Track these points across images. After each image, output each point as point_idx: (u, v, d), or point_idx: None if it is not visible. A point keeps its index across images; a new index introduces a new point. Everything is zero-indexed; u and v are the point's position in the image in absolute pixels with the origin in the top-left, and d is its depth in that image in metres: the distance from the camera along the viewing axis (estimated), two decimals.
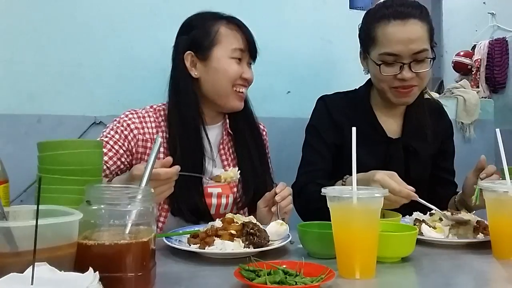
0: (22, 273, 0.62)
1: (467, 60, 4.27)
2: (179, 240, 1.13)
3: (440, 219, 1.26)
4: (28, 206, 0.83)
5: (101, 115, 1.85)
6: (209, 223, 1.17)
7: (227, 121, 1.52)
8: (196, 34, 1.44)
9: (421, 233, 1.21)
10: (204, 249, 1.04)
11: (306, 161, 1.60)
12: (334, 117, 1.59)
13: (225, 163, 1.50)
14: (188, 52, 1.44)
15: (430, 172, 1.63)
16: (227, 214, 1.20)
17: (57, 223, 0.73)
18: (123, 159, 1.38)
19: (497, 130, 1.18)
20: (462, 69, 4.28)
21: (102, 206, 0.81)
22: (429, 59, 1.45)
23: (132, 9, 1.90)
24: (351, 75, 1.76)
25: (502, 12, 4.27)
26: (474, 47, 4.35)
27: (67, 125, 1.81)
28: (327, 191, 0.96)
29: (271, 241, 1.12)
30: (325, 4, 2.23)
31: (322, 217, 1.13)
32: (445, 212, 1.27)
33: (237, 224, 1.11)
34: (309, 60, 2.19)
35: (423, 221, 1.27)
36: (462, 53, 4.32)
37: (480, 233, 1.19)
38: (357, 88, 1.66)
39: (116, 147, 1.37)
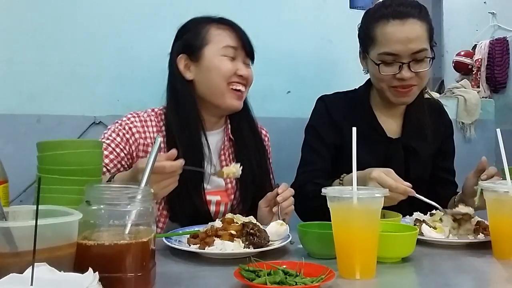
0: (22, 273, 0.62)
1: (467, 60, 4.27)
2: (179, 240, 1.13)
3: (441, 220, 1.26)
4: (28, 206, 0.83)
5: (101, 115, 1.85)
6: (209, 223, 1.17)
7: (229, 126, 1.51)
8: (188, 37, 1.45)
9: (421, 233, 1.20)
10: (204, 249, 1.04)
11: (305, 161, 1.60)
12: (333, 117, 1.58)
13: None
14: (181, 55, 1.44)
15: (430, 172, 1.63)
16: (227, 215, 1.20)
17: (57, 223, 0.72)
18: (123, 162, 1.38)
19: (498, 130, 1.18)
20: (463, 69, 4.28)
21: (101, 206, 0.81)
22: (429, 59, 1.45)
23: (132, 9, 1.90)
24: (351, 75, 1.76)
25: (502, 11, 4.27)
26: (474, 47, 4.35)
27: (67, 125, 1.80)
28: (327, 191, 0.96)
29: (271, 241, 1.12)
30: (325, 3, 2.23)
31: (320, 216, 1.13)
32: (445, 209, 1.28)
33: (237, 224, 1.11)
34: (309, 60, 2.18)
35: (424, 221, 1.27)
36: (462, 53, 4.32)
37: (480, 233, 1.19)
38: (357, 88, 1.66)
39: (118, 150, 1.37)
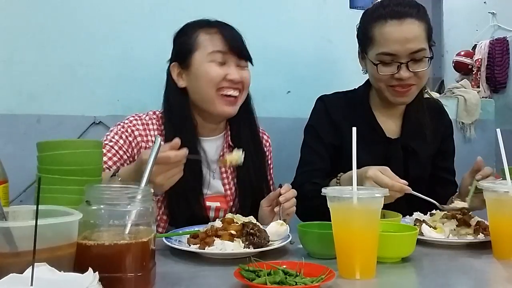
0: (22, 273, 0.62)
1: (467, 60, 4.27)
2: (179, 240, 1.13)
3: (441, 219, 1.26)
4: (28, 206, 0.83)
5: (101, 115, 1.85)
6: (209, 223, 1.17)
7: (229, 132, 1.50)
8: (179, 44, 1.44)
9: (421, 233, 1.20)
10: (204, 249, 1.04)
11: (304, 161, 1.60)
12: (332, 117, 1.58)
13: (224, 175, 1.48)
14: (174, 63, 1.44)
15: (429, 172, 1.63)
16: (227, 215, 1.20)
17: (57, 223, 0.72)
18: (125, 164, 1.37)
19: (498, 130, 1.18)
20: (463, 69, 4.28)
21: (101, 206, 0.81)
22: (427, 58, 1.45)
23: (132, 9, 1.90)
24: (351, 75, 1.76)
25: (502, 11, 4.27)
26: (474, 47, 4.35)
27: (67, 125, 1.81)
28: (327, 191, 0.96)
29: (271, 241, 1.12)
30: (325, 3, 2.23)
31: (318, 216, 1.14)
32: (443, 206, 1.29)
33: (237, 224, 1.11)
34: (309, 59, 2.19)
35: (424, 221, 1.27)
36: (462, 53, 4.32)
37: (480, 233, 1.19)
38: (356, 88, 1.66)
39: (121, 152, 1.36)
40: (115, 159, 1.34)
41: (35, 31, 1.78)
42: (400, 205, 1.31)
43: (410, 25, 1.41)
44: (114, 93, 1.87)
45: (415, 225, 1.26)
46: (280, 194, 1.29)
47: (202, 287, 0.89)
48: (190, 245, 1.08)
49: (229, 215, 1.18)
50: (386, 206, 0.99)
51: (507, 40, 4.17)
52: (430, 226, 1.24)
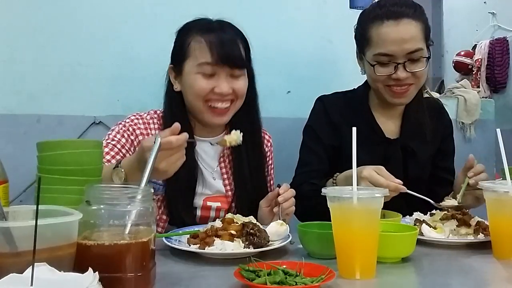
0: (22, 273, 0.62)
1: (467, 60, 4.28)
2: (179, 240, 1.13)
3: (441, 219, 1.26)
4: (28, 206, 0.83)
5: (101, 115, 1.85)
6: (209, 223, 1.17)
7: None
8: (174, 47, 1.43)
9: (421, 233, 1.20)
10: (204, 249, 1.04)
11: (303, 162, 1.60)
12: (331, 118, 1.58)
13: (225, 176, 1.48)
14: (170, 65, 1.44)
15: (429, 172, 1.63)
16: (227, 215, 1.20)
17: (57, 223, 0.72)
18: None
19: (498, 130, 1.18)
20: (463, 69, 4.29)
21: (101, 206, 0.81)
22: (425, 58, 1.44)
23: (132, 9, 1.90)
24: (351, 75, 1.76)
25: (502, 11, 4.28)
26: (474, 46, 4.36)
27: (67, 125, 1.81)
28: (327, 191, 0.96)
29: (271, 241, 1.12)
30: (325, 3, 2.23)
31: (316, 216, 1.14)
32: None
33: (237, 224, 1.11)
34: (309, 59, 2.18)
35: (424, 221, 1.27)
36: (462, 53, 4.32)
37: (480, 233, 1.19)
38: (355, 88, 1.66)
39: (124, 151, 1.36)
40: (118, 157, 1.33)
41: (35, 31, 1.78)
42: (400, 205, 1.31)
43: (407, 25, 1.41)
44: (114, 93, 1.87)
45: (415, 225, 1.26)
46: (279, 194, 1.29)
47: (202, 287, 0.89)
48: (190, 245, 1.08)
49: (229, 215, 1.18)
50: (386, 206, 0.99)
51: (507, 40, 4.18)
52: (430, 226, 1.24)
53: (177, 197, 1.37)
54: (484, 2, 4.41)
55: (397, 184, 1.20)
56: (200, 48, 1.35)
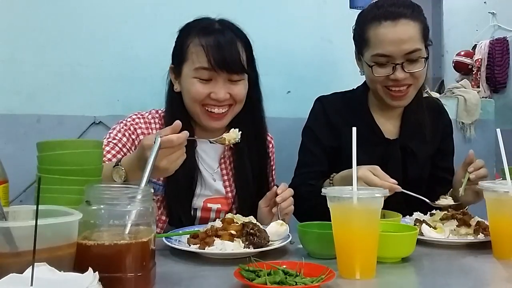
0: (22, 273, 0.62)
1: (467, 60, 4.28)
2: (179, 240, 1.13)
3: (441, 219, 1.26)
4: (28, 206, 0.83)
5: (101, 115, 1.85)
6: (209, 223, 1.17)
7: None
8: (175, 47, 1.42)
9: (421, 233, 1.20)
10: (204, 249, 1.04)
11: (301, 163, 1.60)
12: (331, 118, 1.58)
13: (225, 177, 1.47)
14: (171, 65, 1.43)
15: (428, 172, 1.63)
16: (227, 215, 1.19)
17: (57, 223, 0.72)
18: None
19: (498, 130, 1.18)
20: (463, 69, 4.29)
21: (101, 206, 0.81)
22: (423, 59, 1.44)
23: (132, 9, 1.90)
24: (351, 75, 1.75)
25: (502, 11, 4.28)
26: (474, 46, 4.36)
27: (67, 125, 1.81)
28: (327, 191, 0.96)
29: (271, 241, 1.11)
30: (325, 3, 2.23)
31: (316, 216, 1.14)
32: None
33: (237, 224, 1.11)
34: (309, 60, 2.18)
35: (424, 221, 1.27)
36: (462, 53, 4.33)
37: (480, 233, 1.19)
38: (355, 88, 1.66)
39: (125, 150, 1.36)
40: (119, 156, 1.32)
41: (35, 31, 1.78)
42: (400, 205, 1.31)
43: (405, 26, 1.41)
44: (114, 93, 1.87)
45: (415, 225, 1.26)
46: (277, 194, 1.28)
47: (202, 287, 0.89)
48: (190, 245, 1.08)
49: (229, 215, 1.18)
50: (386, 206, 0.99)
51: (507, 40, 4.18)
52: (430, 226, 1.24)
53: (176, 197, 1.37)
54: (484, 2, 4.41)
55: (391, 184, 1.20)
56: (197, 52, 1.34)
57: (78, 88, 1.83)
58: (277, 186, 1.32)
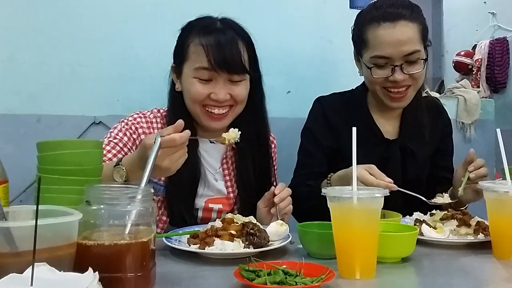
0: (22, 273, 0.62)
1: (467, 60, 4.28)
2: (179, 240, 1.13)
3: (441, 219, 1.26)
4: (28, 206, 0.83)
5: (101, 115, 1.84)
6: (209, 223, 1.17)
7: None
8: (176, 46, 1.41)
9: (421, 233, 1.20)
10: (204, 249, 1.04)
11: (300, 164, 1.60)
12: (330, 119, 1.57)
13: (227, 178, 1.47)
14: (173, 64, 1.42)
15: (428, 172, 1.63)
16: (227, 215, 1.19)
17: (57, 223, 0.72)
18: None
19: (498, 130, 1.18)
20: (463, 69, 4.29)
21: (101, 206, 0.81)
22: (422, 60, 1.43)
23: (132, 9, 1.90)
24: (351, 75, 1.75)
25: (502, 11, 4.28)
26: (474, 46, 4.36)
27: (67, 125, 1.80)
28: (327, 191, 0.96)
29: (271, 241, 1.11)
30: (325, 3, 2.23)
31: (315, 217, 1.14)
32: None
33: (237, 224, 1.11)
34: (309, 59, 2.18)
35: (424, 221, 1.27)
36: (462, 53, 4.33)
37: (480, 233, 1.19)
38: (354, 88, 1.66)
39: (126, 149, 1.35)
40: (119, 156, 1.32)
41: (35, 31, 1.78)
42: (400, 205, 1.31)
43: (404, 27, 1.40)
44: (114, 93, 1.87)
45: (415, 225, 1.26)
46: (275, 195, 1.27)
47: (202, 287, 0.89)
48: (190, 245, 1.08)
49: (229, 215, 1.18)
50: (385, 206, 0.99)
51: (507, 40, 4.18)
52: (430, 226, 1.24)
53: (178, 197, 1.37)
54: (484, 2, 4.41)
55: (387, 183, 1.20)
56: (197, 51, 1.32)
57: (78, 88, 1.83)
58: (275, 187, 1.32)
